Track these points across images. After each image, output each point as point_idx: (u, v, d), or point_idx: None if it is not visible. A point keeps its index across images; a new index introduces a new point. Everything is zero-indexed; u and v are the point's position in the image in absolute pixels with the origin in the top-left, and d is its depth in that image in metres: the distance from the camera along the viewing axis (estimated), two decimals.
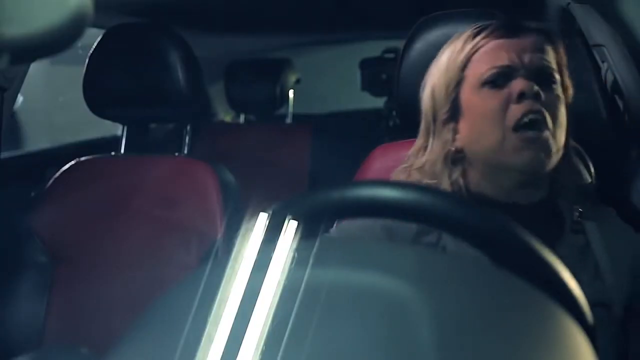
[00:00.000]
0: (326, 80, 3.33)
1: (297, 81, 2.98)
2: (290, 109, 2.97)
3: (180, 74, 1.56)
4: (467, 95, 1.02)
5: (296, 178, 2.53)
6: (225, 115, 3.15)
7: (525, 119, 0.96)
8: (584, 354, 0.49)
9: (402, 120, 1.30)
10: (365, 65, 2.90)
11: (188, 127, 1.75)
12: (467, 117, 1.02)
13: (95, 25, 1.73)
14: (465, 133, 1.03)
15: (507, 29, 1.02)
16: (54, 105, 3.20)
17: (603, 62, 1.39)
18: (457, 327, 0.45)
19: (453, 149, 1.04)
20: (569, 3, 1.40)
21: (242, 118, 3.00)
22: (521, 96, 0.97)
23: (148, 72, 1.58)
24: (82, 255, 1.55)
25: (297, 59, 3.05)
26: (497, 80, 0.99)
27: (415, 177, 1.07)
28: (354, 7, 2.17)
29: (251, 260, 0.50)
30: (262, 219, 0.56)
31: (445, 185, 1.04)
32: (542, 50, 1.00)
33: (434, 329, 0.44)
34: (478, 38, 1.03)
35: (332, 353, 0.44)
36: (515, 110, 0.97)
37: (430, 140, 1.07)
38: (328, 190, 0.65)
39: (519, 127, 0.96)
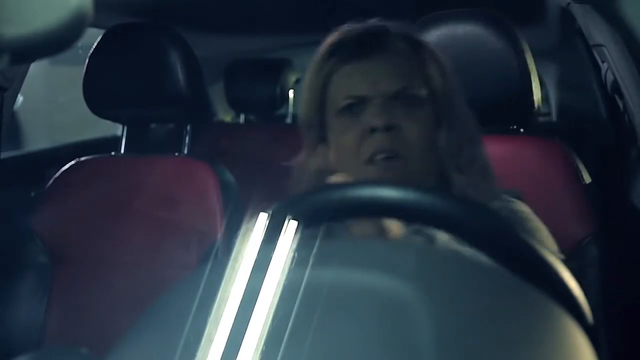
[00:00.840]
0: None
1: (297, 81, 2.98)
2: (291, 109, 2.97)
3: (180, 74, 1.56)
4: (330, 119, 1.00)
5: None
6: (225, 115, 3.15)
7: (377, 157, 0.93)
8: (584, 354, 0.49)
9: None
10: None
11: (188, 127, 1.75)
12: (332, 143, 1.01)
13: (95, 25, 1.73)
14: (334, 158, 1.01)
15: (361, 50, 0.98)
16: (54, 105, 3.20)
17: (603, 62, 1.39)
18: (456, 327, 0.45)
19: (324, 167, 1.01)
20: (569, 3, 1.40)
21: (242, 118, 3.00)
22: (373, 131, 0.93)
23: (148, 72, 1.58)
24: (82, 255, 1.55)
25: (297, 59, 3.04)
26: (353, 109, 0.97)
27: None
28: (354, 7, 2.16)
29: (251, 260, 0.50)
30: (262, 219, 0.56)
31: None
32: (402, 69, 0.96)
33: (433, 329, 0.44)
34: (333, 60, 1.00)
35: (332, 353, 0.44)
36: (368, 145, 0.94)
37: (307, 158, 1.05)
38: (328, 190, 0.65)
39: (371, 161, 0.94)
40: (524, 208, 1.01)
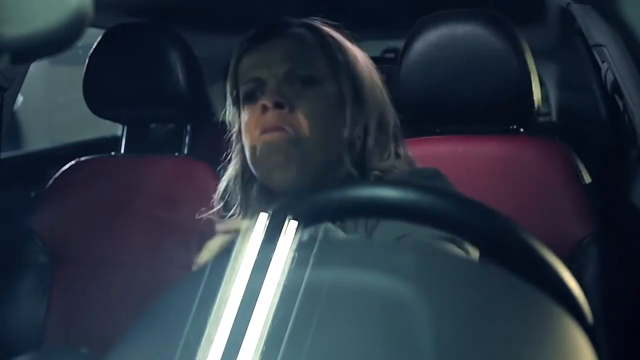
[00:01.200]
0: None
1: None
2: None
3: (180, 74, 1.56)
4: (242, 113, 1.03)
5: None
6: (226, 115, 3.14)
7: (267, 133, 0.95)
8: (584, 353, 0.49)
9: (401, 120, 1.29)
10: None
11: (188, 127, 1.75)
12: (242, 133, 1.03)
13: (95, 25, 1.73)
14: (246, 151, 1.02)
15: (259, 38, 1.02)
16: (54, 105, 3.20)
17: (603, 62, 1.39)
18: (456, 327, 0.45)
19: (244, 169, 1.03)
20: (569, 3, 1.40)
21: None
22: (264, 108, 0.96)
23: (148, 72, 1.58)
24: (82, 255, 1.55)
25: None
26: (253, 94, 1.00)
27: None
28: (354, 7, 2.16)
29: (251, 260, 0.50)
30: (262, 219, 0.56)
31: (245, 209, 1.04)
32: (296, 52, 1.00)
33: (433, 329, 0.44)
34: (239, 52, 1.04)
35: (332, 353, 0.44)
36: (260, 123, 0.97)
37: (233, 158, 1.07)
38: (328, 190, 0.65)
39: (261, 140, 0.96)
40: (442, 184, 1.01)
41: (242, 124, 1.03)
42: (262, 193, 1.02)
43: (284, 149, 0.95)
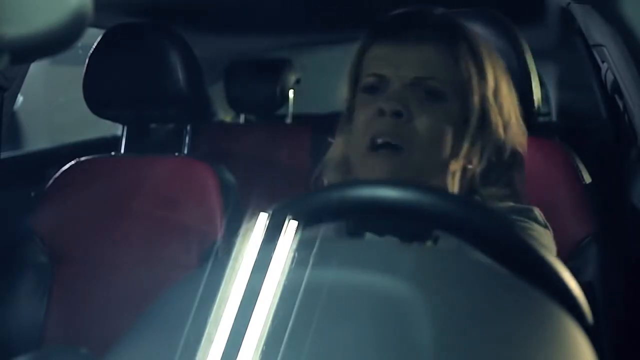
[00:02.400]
0: (326, 80, 3.32)
1: (297, 81, 2.98)
2: (290, 109, 2.97)
3: (180, 74, 1.56)
4: (357, 97, 0.99)
5: (296, 178, 2.53)
6: (225, 115, 3.15)
7: (378, 140, 0.90)
8: (584, 353, 0.49)
9: None
10: None
11: (188, 127, 1.75)
12: (353, 123, 0.98)
13: (95, 25, 1.73)
14: (350, 141, 0.98)
15: (395, 33, 0.95)
16: (54, 105, 3.20)
17: (603, 62, 1.39)
18: (456, 327, 0.45)
19: (346, 152, 0.99)
20: (569, 3, 1.40)
21: (242, 118, 3.00)
22: (381, 113, 0.90)
23: (148, 72, 1.58)
24: (82, 255, 1.55)
25: (297, 59, 3.04)
26: (373, 88, 0.94)
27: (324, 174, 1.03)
28: (354, 7, 2.16)
29: (251, 260, 0.50)
30: (262, 219, 0.56)
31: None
32: (431, 60, 0.92)
33: (433, 329, 0.44)
34: (368, 40, 0.98)
35: (331, 353, 0.44)
36: (372, 128, 0.91)
37: (338, 135, 1.04)
38: (328, 190, 0.65)
39: (373, 146, 0.91)
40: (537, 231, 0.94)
41: (355, 114, 0.97)
42: None
43: (391, 169, 0.89)
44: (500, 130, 0.95)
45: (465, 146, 0.93)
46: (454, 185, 0.95)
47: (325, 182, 1.03)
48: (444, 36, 0.95)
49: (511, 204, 0.96)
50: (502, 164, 0.96)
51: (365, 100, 0.95)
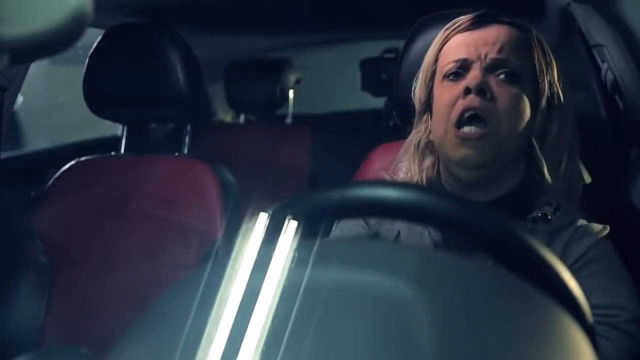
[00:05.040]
0: (326, 80, 3.33)
1: (297, 81, 2.98)
2: (290, 109, 2.97)
3: (180, 74, 1.56)
4: (436, 87, 1.05)
5: (296, 178, 2.53)
6: (225, 115, 3.15)
7: (466, 115, 0.97)
8: (584, 354, 0.49)
9: (402, 120, 1.30)
10: (365, 65, 2.90)
11: (188, 127, 1.75)
12: (433, 109, 1.05)
13: (95, 25, 1.73)
14: (432, 125, 1.05)
15: (475, 22, 1.03)
16: (54, 105, 3.20)
17: (603, 62, 1.39)
18: (456, 328, 0.45)
19: (425, 139, 1.06)
20: (569, 3, 1.40)
21: (242, 118, 3.00)
22: (466, 91, 0.97)
23: (148, 72, 1.58)
24: (82, 255, 1.55)
25: (297, 59, 3.04)
26: (456, 73, 1.01)
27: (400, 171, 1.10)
28: (354, 7, 2.17)
29: (251, 260, 0.50)
30: (262, 219, 0.56)
31: (415, 175, 1.06)
32: (508, 44, 1.00)
33: (433, 329, 0.44)
34: (448, 31, 1.05)
35: (331, 353, 0.44)
36: (459, 106, 0.98)
37: (414, 130, 1.11)
38: (328, 190, 0.65)
39: (459, 123, 0.98)
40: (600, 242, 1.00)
41: (435, 100, 1.04)
42: (445, 165, 1.04)
43: (479, 145, 0.96)
44: (563, 115, 1.03)
45: (536, 128, 1.01)
46: (524, 167, 1.03)
47: (403, 171, 1.10)
48: (515, 26, 1.03)
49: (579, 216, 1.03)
50: (562, 146, 1.03)
51: (448, 86, 1.02)
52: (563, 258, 0.95)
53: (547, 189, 1.01)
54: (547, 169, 1.00)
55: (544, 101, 1.01)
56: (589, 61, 1.68)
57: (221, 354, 0.45)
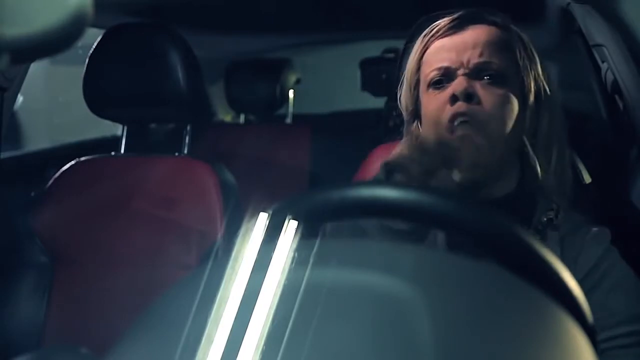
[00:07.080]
0: (326, 80, 3.33)
1: (297, 81, 2.98)
2: (290, 109, 2.97)
3: (180, 74, 1.56)
4: (422, 95, 1.05)
5: (296, 178, 2.53)
6: (225, 115, 3.15)
7: (455, 122, 0.97)
8: (584, 354, 0.49)
9: (402, 120, 1.30)
10: (365, 65, 2.90)
11: (188, 127, 1.75)
12: (422, 117, 1.05)
13: (95, 25, 1.73)
14: (422, 132, 1.06)
15: (453, 26, 1.02)
16: (54, 105, 3.20)
17: (603, 62, 1.39)
18: (456, 327, 0.45)
19: (411, 150, 1.06)
20: (569, 3, 1.40)
21: (242, 118, 3.00)
22: (454, 98, 0.97)
23: (148, 72, 1.58)
24: (82, 255, 1.55)
25: (297, 59, 3.04)
26: (440, 81, 1.01)
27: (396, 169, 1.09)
28: (354, 7, 2.17)
29: (251, 260, 0.50)
30: (262, 219, 0.56)
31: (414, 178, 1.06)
32: (489, 46, 0.99)
33: (433, 329, 0.44)
34: (427, 37, 1.05)
35: (332, 353, 0.44)
36: (447, 112, 0.98)
37: (404, 137, 1.11)
38: (328, 190, 0.65)
39: (450, 128, 0.97)
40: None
41: (423, 108, 1.04)
42: (426, 174, 1.04)
43: (474, 145, 0.96)
44: (550, 113, 1.03)
45: (526, 129, 1.01)
46: (518, 167, 1.03)
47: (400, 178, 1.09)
48: (496, 26, 1.02)
49: (578, 218, 1.03)
50: (551, 144, 1.03)
51: (434, 94, 1.01)
52: (575, 267, 0.95)
53: (541, 184, 1.01)
54: (540, 165, 1.01)
55: (531, 97, 1.01)
56: (589, 61, 1.69)
57: (221, 354, 0.45)
